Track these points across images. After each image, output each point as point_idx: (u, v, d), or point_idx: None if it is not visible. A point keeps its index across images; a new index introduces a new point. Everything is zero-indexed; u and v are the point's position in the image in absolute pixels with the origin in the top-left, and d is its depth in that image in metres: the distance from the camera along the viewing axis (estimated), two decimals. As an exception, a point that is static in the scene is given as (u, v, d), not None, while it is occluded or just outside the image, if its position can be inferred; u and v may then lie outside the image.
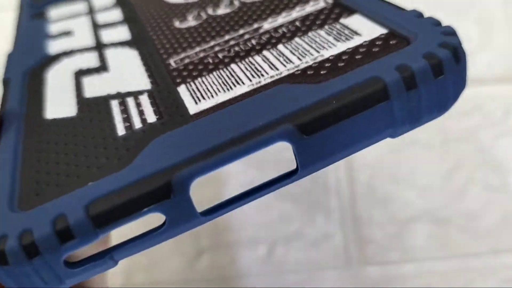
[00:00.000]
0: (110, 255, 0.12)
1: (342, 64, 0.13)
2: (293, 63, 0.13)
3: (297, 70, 0.13)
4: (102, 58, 0.17)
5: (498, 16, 0.42)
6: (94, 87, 0.16)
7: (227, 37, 0.16)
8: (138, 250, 0.12)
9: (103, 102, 0.15)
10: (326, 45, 0.14)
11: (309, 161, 0.12)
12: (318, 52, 0.14)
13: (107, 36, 0.19)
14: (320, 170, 0.12)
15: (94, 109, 0.14)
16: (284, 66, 0.13)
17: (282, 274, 0.35)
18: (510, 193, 0.36)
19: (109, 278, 0.23)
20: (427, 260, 0.35)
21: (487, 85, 0.39)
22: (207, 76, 0.14)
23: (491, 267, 0.35)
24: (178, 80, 0.14)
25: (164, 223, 0.11)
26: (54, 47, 0.20)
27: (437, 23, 0.13)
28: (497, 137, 0.37)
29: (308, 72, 0.13)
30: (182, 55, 0.16)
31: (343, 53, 0.13)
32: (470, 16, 0.42)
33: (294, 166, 0.12)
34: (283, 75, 0.13)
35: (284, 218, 0.35)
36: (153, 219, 0.12)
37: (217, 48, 0.15)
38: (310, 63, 0.13)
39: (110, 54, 0.18)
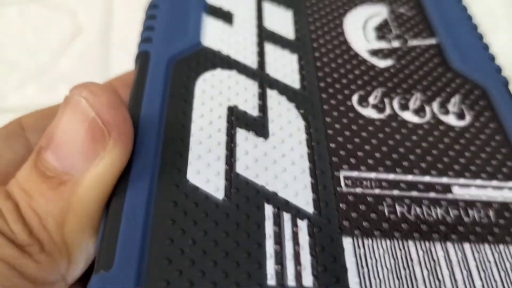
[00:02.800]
0: None
1: None
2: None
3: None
4: (263, 104, 0.15)
5: (500, 16, 0.43)
6: (248, 159, 0.14)
7: (410, 178, 0.14)
8: None
9: (254, 197, 0.13)
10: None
11: None
12: (509, 295, 0.12)
13: (271, 67, 0.16)
14: None
15: (243, 206, 0.12)
16: (468, 292, 0.12)
17: None
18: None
19: None
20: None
21: None
22: (378, 242, 0.12)
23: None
24: (345, 224, 0.12)
25: None
26: (209, 32, 0.17)
27: None
28: None
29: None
30: (355, 173, 0.14)
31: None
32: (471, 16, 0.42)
33: None
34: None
35: None
36: None
37: (395, 192, 0.13)
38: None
39: (273, 103, 0.15)
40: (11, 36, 0.41)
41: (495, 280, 0.12)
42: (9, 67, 0.40)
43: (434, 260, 0.12)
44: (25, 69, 0.40)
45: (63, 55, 0.40)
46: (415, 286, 0.12)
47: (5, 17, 0.42)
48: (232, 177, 0.13)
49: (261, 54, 0.16)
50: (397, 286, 0.11)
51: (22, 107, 0.38)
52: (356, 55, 0.17)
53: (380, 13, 0.19)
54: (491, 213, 0.13)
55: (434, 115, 0.15)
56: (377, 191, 0.13)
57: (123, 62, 0.40)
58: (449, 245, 0.12)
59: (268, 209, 0.12)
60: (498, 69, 0.17)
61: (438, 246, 0.12)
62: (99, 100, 0.12)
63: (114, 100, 0.13)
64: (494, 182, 0.14)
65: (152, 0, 0.18)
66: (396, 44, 0.18)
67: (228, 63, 0.16)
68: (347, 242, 0.12)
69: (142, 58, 0.16)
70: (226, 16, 0.18)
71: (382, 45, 0.17)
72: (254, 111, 0.15)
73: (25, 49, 0.41)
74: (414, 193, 0.13)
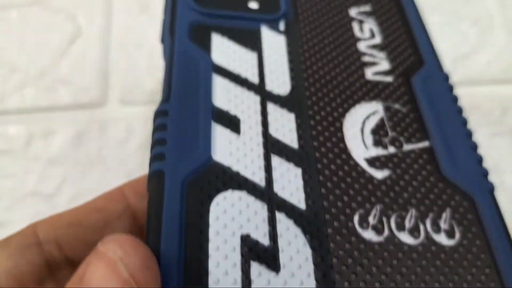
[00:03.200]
0: None
1: None
2: None
3: None
4: (272, 231, 0.16)
5: (495, 17, 0.44)
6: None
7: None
8: None
9: None
10: None
11: None
12: None
13: (279, 184, 0.17)
14: None
15: None
16: None
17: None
18: (506, 192, 0.37)
19: None
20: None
21: (485, 85, 0.41)
22: None
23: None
24: None
25: None
26: (218, 144, 0.18)
27: None
28: (494, 137, 0.39)
29: None
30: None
31: None
32: (468, 17, 0.44)
33: None
34: None
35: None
36: None
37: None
38: None
39: (281, 228, 0.16)
40: (11, 38, 0.42)
41: None
42: (9, 69, 0.40)
43: None
44: (25, 71, 0.40)
45: (63, 57, 0.41)
46: None
47: (5, 20, 0.42)
48: None
49: (268, 169, 0.17)
50: None
51: (22, 109, 0.39)
52: (356, 166, 0.18)
53: (377, 111, 0.20)
54: None
55: (427, 235, 0.17)
56: None
57: (122, 65, 0.40)
58: None
59: None
60: (485, 174, 0.19)
61: None
62: (133, 261, 0.13)
63: (147, 259, 0.14)
64: None
65: (160, 105, 0.18)
66: (392, 149, 0.19)
67: (238, 182, 0.17)
68: None
69: (157, 179, 0.16)
70: (233, 123, 0.18)
71: (379, 151, 0.19)
72: (265, 240, 0.16)
73: (25, 51, 0.41)
74: None
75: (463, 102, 0.40)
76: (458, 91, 0.41)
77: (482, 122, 0.40)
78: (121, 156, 0.37)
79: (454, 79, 0.41)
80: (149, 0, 0.45)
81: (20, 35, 0.42)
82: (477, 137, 0.38)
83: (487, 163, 0.37)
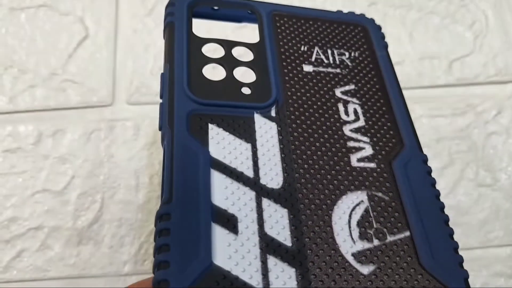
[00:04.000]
0: None
1: None
2: None
3: None
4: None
5: (491, 20, 0.46)
6: None
7: None
8: None
9: None
10: None
11: None
12: None
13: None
14: None
15: None
16: None
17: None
18: (501, 189, 0.39)
19: None
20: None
21: (481, 85, 0.43)
22: None
23: (482, 261, 0.37)
24: None
25: None
26: (218, 247, 0.19)
27: None
28: (489, 136, 0.41)
29: None
30: None
31: None
32: (465, 20, 0.46)
33: None
34: None
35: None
36: None
37: None
38: None
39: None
40: (21, 40, 0.43)
41: None
42: (19, 70, 0.42)
43: None
44: (34, 72, 0.42)
45: (71, 58, 0.43)
46: None
47: (15, 22, 0.44)
48: None
49: (264, 271, 0.19)
50: None
51: (32, 109, 0.41)
52: (344, 262, 0.20)
53: (362, 201, 0.21)
54: None
55: None
56: None
57: (129, 66, 0.43)
58: None
59: None
60: (461, 262, 0.20)
61: None
62: None
63: None
64: None
65: (163, 205, 0.19)
66: (376, 242, 0.21)
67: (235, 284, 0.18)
68: None
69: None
70: (231, 223, 0.20)
71: (365, 245, 0.20)
72: None
73: (35, 53, 0.43)
74: None
75: (459, 102, 0.41)
76: (455, 92, 0.42)
77: (479, 121, 0.41)
78: (129, 154, 0.39)
79: (451, 80, 0.42)
80: (155, 3, 0.45)
81: (29, 37, 0.43)
82: (473, 137, 0.40)
83: (481, 162, 0.39)
